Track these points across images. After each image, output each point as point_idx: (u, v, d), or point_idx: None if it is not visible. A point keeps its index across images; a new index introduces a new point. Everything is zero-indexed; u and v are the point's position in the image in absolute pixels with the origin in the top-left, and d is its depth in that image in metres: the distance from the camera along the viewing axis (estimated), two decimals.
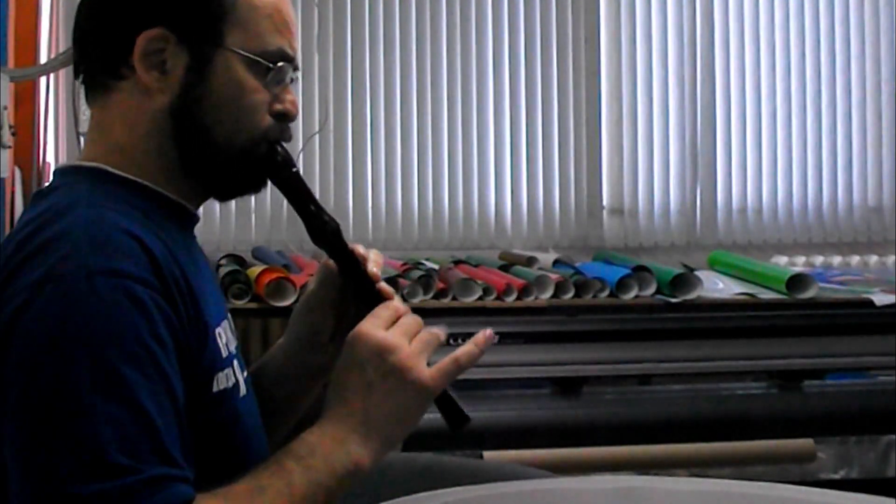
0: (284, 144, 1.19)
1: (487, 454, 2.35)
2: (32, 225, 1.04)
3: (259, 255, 3.07)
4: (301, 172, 1.21)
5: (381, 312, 1.13)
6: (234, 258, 2.92)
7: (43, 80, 3.08)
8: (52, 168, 3.22)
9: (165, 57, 1.12)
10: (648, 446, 2.58)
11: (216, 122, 1.13)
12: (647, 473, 2.46)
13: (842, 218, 3.67)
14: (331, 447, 1.06)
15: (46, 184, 1.17)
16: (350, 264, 1.22)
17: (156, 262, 1.03)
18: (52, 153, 3.23)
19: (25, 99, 3.03)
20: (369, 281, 1.21)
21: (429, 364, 1.11)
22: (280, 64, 1.15)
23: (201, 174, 1.16)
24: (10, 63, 2.78)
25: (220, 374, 1.11)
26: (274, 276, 2.65)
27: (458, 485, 1.20)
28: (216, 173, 1.16)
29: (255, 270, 2.73)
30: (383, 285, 1.21)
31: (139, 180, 1.13)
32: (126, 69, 1.12)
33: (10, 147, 2.62)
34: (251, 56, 1.13)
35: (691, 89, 3.61)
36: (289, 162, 1.19)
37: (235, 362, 1.16)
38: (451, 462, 1.48)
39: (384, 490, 1.19)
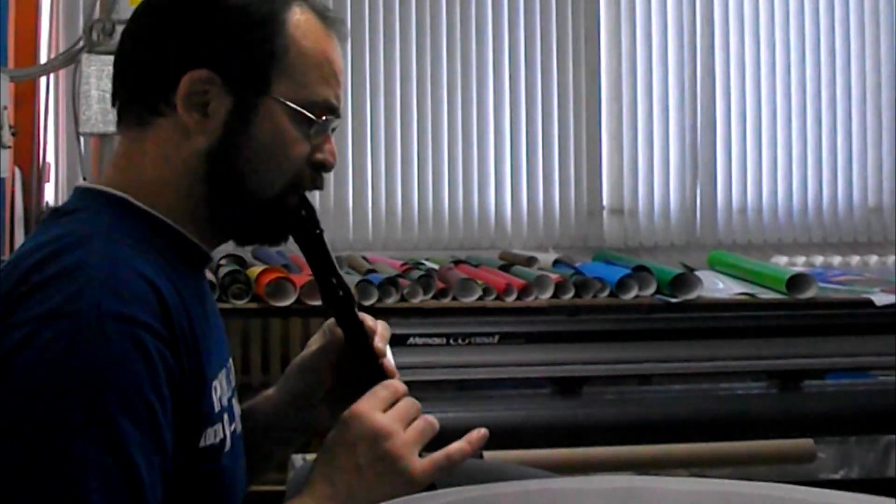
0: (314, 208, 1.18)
1: (487, 454, 2.35)
2: (45, 251, 1.01)
3: (259, 255, 3.07)
4: (324, 234, 1.19)
5: (380, 392, 1.10)
6: (234, 258, 2.91)
7: (43, 80, 3.09)
8: (67, 170, 3.23)
9: (209, 99, 1.09)
10: (648, 446, 2.58)
11: (252, 171, 1.11)
12: (647, 473, 2.46)
13: (842, 218, 3.67)
14: None
15: (63, 202, 1.14)
16: (357, 335, 1.20)
17: (166, 310, 1.01)
18: (52, 153, 3.23)
19: (25, 99, 3.04)
20: (373, 355, 1.19)
21: (420, 454, 1.09)
22: (324, 118, 1.13)
23: (226, 219, 1.14)
24: (10, 63, 2.78)
25: (209, 430, 1.08)
26: (274, 276, 2.66)
27: (458, 485, 1.20)
28: (242, 220, 1.15)
29: (255, 270, 2.73)
30: (387, 362, 1.19)
31: (161, 216, 1.10)
32: (166, 106, 1.10)
33: (10, 147, 2.62)
34: (296, 107, 1.11)
35: (691, 89, 3.61)
36: (314, 222, 1.18)
37: (226, 416, 1.13)
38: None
39: None
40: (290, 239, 1.21)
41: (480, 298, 2.75)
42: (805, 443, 2.63)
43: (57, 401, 0.94)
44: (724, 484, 1.19)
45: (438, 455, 1.09)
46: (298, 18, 1.12)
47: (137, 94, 1.12)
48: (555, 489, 1.24)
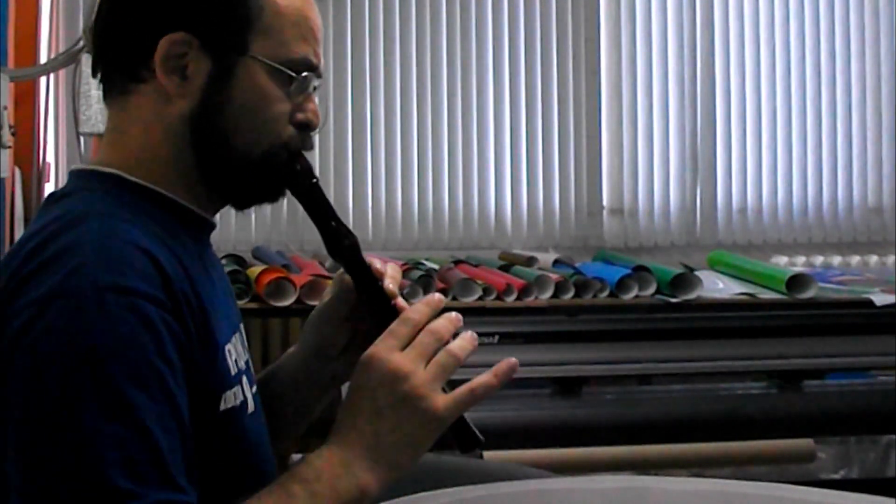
0: (305, 154, 1.18)
1: (487, 454, 2.35)
2: (43, 234, 1.02)
3: (259, 255, 3.07)
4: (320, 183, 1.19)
5: (398, 330, 1.09)
6: (234, 258, 2.91)
7: (43, 80, 3.08)
8: (68, 169, 3.23)
9: (187, 62, 1.09)
10: (648, 446, 2.58)
11: (236, 131, 1.11)
12: (647, 473, 2.46)
13: (842, 218, 3.67)
14: (337, 472, 1.04)
15: (61, 186, 1.15)
16: (366, 280, 1.19)
17: (167, 279, 1.01)
18: (52, 153, 3.23)
19: (25, 99, 3.03)
20: (385, 298, 1.18)
21: (444, 389, 1.08)
22: (304, 74, 1.13)
23: (219, 182, 1.14)
24: (10, 63, 2.78)
25: (228, 393, 1.09)
26: (274, 276, 2.65)
27: (458, 485, 1.20)
28: (234, 182, 1.15)
29: (255, 270, 2.73)
30: (400, 301, 1.18)
31: (155, 188, 1.11)
32: (146, 72, 1.10)
33: (10, 147, 2.62)
34: (275, 65, 1.11)
35: (691, 89, 3.61)
36: (309, 172, 1.18)
37: (245, 378, 1.14)
38: (451, 462, 1.47)
39: (384, 490, 1.18)
40: (288, 241, 1.21)
41: (480, 298, 2.75)
42: (805, 443, 2.63)
43: (65, 379, 0.94)
44: (724, 484, 1.20)
45: (462, 391, 1.08)
46: None
47: (117, 62, 1.12)
48: (555, 489, 1.24)
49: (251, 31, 1.10)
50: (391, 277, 1.21)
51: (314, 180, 1.19)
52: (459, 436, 1.13)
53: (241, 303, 2.64)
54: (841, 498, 1.11)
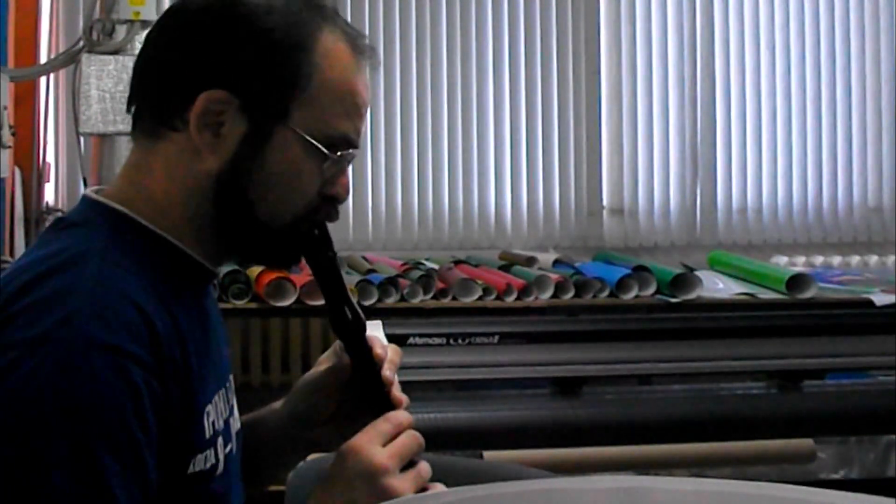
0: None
1: (487, 454, 2.35)
2: (43, 266, 1.00)
3: None
4: (337, 259, 1.16)
5: (381, 426, 1.09)
6: None
7: (43, 80, 3.09)
8: (68, 168, 3.22)
9: (223, 120, 1.06)
10: (648, 446, 2.58)
11: (262, 198, 1.08)
12: (647, 473, 2.46)
13: (842, 218, 3.67)
14: None
15: (69, 211, 1.12)
16: (365, 364, 1.18)
17: (156, 339, 0.99)
18: (52, 153, 3.23)
19: (25, 99, 3.04)
20: (380, 385, 1.16)
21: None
22: (340, 153, 1.09)
23: (234, 244, 1.12)
24: (10, 63, 2.78)
25: (199, 457, 1.06)
26: (274, 276, 2.65)
27: (458, 485, 1.20)
28: (251, 246, 1.12)
29: (255, 270, 2.73)
30: (394, 392, 1.17)
31: (164, 235, 1.08)
32: (180, 122, 1.06)
33: (10, 147, 2.62)
34: (312, 141, 1.07)
35: (691, 89, 3.62)
36: (327, 245, 1.14)
37: (220, 440, 1.11)
38: (451, 462, 1.47)
39: None
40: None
41: (480, 298, 2.75)
42: (805, 443, 2.63)
43: (39, 432, 0.92)
44: (724, 484, 1.19)
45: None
46: (328, 46, 1.08)
47: (153, 105, 1.09)
48: (555, 489, 1.24)
49: (294, 100, 1.07)
50: (391, 362, 1.19)
51: (331, 254, 1.15)
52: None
53: (240, 303, 2.64)
54: (841, 498, 1.11)
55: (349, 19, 3.80)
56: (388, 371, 1.17)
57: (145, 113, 1.10)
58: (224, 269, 2.75)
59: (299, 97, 1.06)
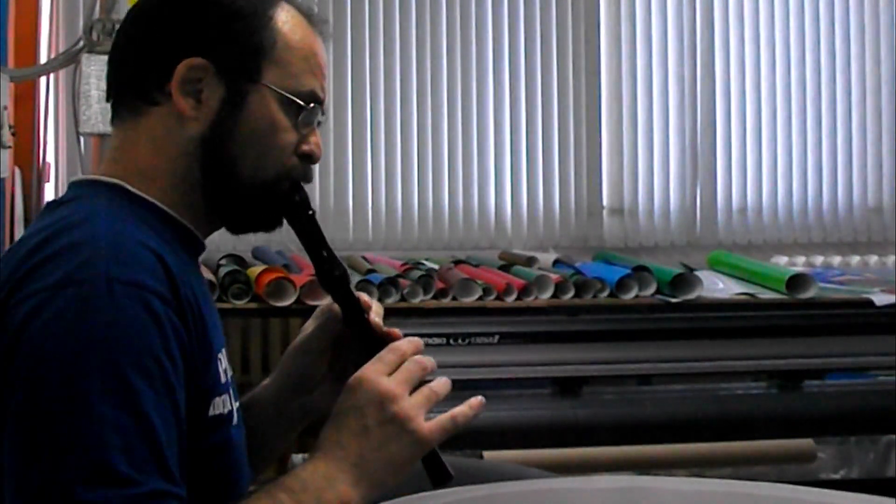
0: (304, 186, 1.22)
1: (487, 454, 2.35)
2: (46, 232, 1.04)
3: (259, 255, 3.07)
4: (317, 216, 1.24)
5: (386, 357, 1.13)
6: (234, 258, 2.91)
7: (43, 80, 3.08)
8: (68, 169, 3.23)
9: (202, 87, 1.14)
10: (648, 446, 2.58)
11: (243, 156, 1.15)
12: (647, 473, 2.46)
13: (842, 218, 3.67)
14: (321, 485, 1.07)
15: (60, 195, 1.17)
16: (355, 310, 1.23)
17: (173, 280, 1.04)
18: (52, 153, 3.23)
19: (25, 99, 3.03)
20: (372, 328, 1.22)
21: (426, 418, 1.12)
22: (312, 105, 1.17)
23: (220, 205, 1.18)
24: (10, 63, 2.78)
25: (218, 399, 1.11)
26: (274, 276, 2.65)
27: (458, 485, 1.20)
28: (235, 206, 1.18)
29: (255, 270, 2.73)
30: (388, 329, 1.22)
31: (157, 202, 1.14)
32: (160, 95, 1.14)
33: (10, 147, 2.62)
34: (286, 94, 1.16)
35: (691, 89, 3.62)
36: (306, 204, 1.22)
37: (231, 390, 1.16)
38: (451, 462, 1.47)
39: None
40: (288, 242, 1.23)
41: (480, 298, 2.75)
42: (805, 443, 2.63)
43: (72, 365, 0.96)
44: (724, 484, 1.20)
45: (445, 417, 1.12)
46: (285, 15, 1.18)
47: (133, 85, 1.17)
48: (555, 489, 1.24)
49: (264, 60, 1.15)
50: (375, 312, 1.25)
51: (311, 212, 1.22)
52: (432, 470, 1.16)
53: (240, 303, 2.65)
54: (841, 498, 1.11)
55: (349, 20, 3.80)
56: (375, 317, 1.24)
57: (126, 93, 1.18)
58: (224, 270, 2.75)
59: (268, 57, 1.16)
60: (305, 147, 1.19)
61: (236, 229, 1.23)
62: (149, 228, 1.09)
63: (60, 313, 0.97)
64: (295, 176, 1.19)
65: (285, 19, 1.17)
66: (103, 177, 1.15)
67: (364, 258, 3.06)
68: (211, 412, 1.10)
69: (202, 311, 1.09)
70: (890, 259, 3.62)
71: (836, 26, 3.68)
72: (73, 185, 1.18)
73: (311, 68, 1.18)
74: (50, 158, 3.20)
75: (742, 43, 3.65)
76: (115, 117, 1.19)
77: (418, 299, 2.71)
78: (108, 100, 1.20)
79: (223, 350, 1.17)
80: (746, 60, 3.64)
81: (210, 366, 1.10)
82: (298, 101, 1.16)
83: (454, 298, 2.75)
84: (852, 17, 3.69)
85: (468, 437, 2.39)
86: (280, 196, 1.19)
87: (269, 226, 1.23)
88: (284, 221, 1.23)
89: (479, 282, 2.77)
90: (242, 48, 1.15)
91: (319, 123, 1.21)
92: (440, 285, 2.77)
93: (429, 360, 1.15)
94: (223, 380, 1.13)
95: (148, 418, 0.97)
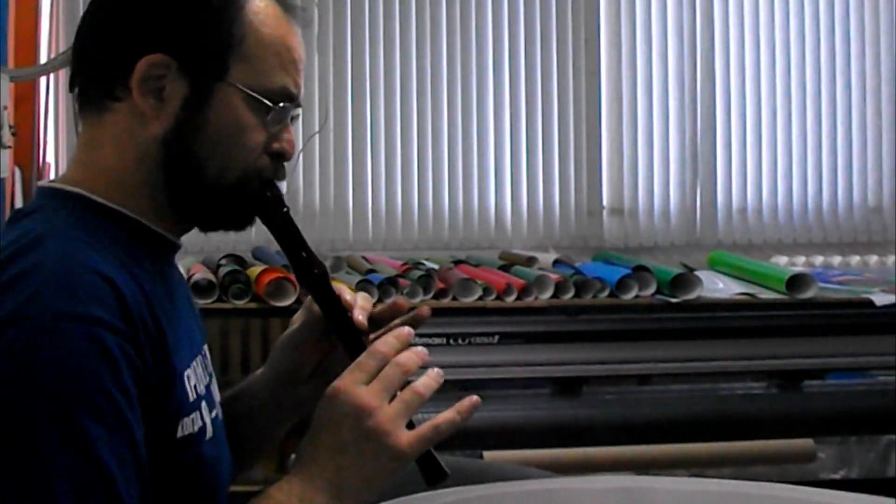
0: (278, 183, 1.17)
1: (487, 454, 2.35)
2: (5, 253, 1.01)
3: (259, 254, 3.07)
4: (291, 212, 1.18)
5: (365, 363, 1.08)
6: (234, 258, 2.91)
7: (43, 80, 3.08)
8: (49, 168, 3.23)
9: (164, 84, 1.08)
10: (648, 446, 2.58)
11: (209, 157, 1.10)
12: (647, 473, 2.47)
13: (842, 218, 3.67)
14: None
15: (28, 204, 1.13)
16: (335, 311, 1.19)
17: (125, 306, 0.99)
18: (52, 153, 3.23)
19: (25, 99, 3.03)
20: (354, 329, 1.17)
21: (409, 425, 1.06)
22: (282, 104, 1.12)
23: (187, 206, 1.13)
24: (10, 63, 2.78)
25: (187, 419, 1.07)
26: (274, 276, 2.65)
27: (459, 485, 1.20)
28: (203, 207, 1.13)
29: (255, 270, 2.73)
30: (369, 333, 1.18)
31: (121, 209, 1.09)
32: (122, 91, 1.09)
33: (10, 147, 2.62)
34: (252, 94, 1.10)
35: (691, 89, 3.61)
36: (279, 201, 1.16)
37: (204, 403, 1.12)
38: (451, 462, 1.47)
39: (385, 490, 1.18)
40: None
41: (480, 298, 2.75)
42: (805, 443, 2.63)
43: (19, 408, 0.92)
44: (724, 484, 1.20)
45: (425, 427, 1.07)
46: (257, 6, 1.11)
47: (95, 78, 1.11)
48: (555, 489, 1.24)
49: (231, 56, 1.09)
50: (361, 308, 1.20)
51: (285, 209, 1.17)
52: (426, 469, 1.12)
53: (240, 303, 2.65)
54: (841, 498, 1.11)
55: (349, 20, 3.80)
56: (359, 315, 1.19)
57: (89, 88, 1.12)
58: (224, 270, 2.75)
59: (235, 54, 1.09)
60: (276, 145, 1.13)
61: (206, 229, 1.18)
62: (108, 240, 1.05)
63: (6, 354, 0.93)
64: (265, 175, 1.14)
65: (257, 10, 1.11)
66: (66, 185, 1.10)
67: (364, 258, 3.06)
68: (179, 433, 1.06)
69: (163, 330, 1.04)
70: (890, 259, 3.62)
71: (836, 26, 3.68)
72: (38, 193, 1.13)
73: (282, 63, 1.12)
74: (50, 158, 3.20)
75: (742, 43, 3.64)
76: (81, 111, 1.13)
77: (418, 299, 2.71)
78: (71, 90, 1.14)
79: (197, 360, 1.14)
80: (746, 60, 3.64)
81: (173, 388, 1.05)
82: (266, 100, 1.10)
83: (454, 298, 2.75)
84: (852, 18, 3.69)
85: (468, 437, 2.39)
86: (250, 195, 1.13)
87: (240, 225, 1.17)
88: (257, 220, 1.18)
89: (479, 282, 2.77)
90: (208, 43, 1.08)
91: (293, 119, 1.15)
92: (440, 285, 2.77)
93: (415, 357, 1.09)
94: (192, 397, 1.09)
95: (101, 462, 0.93)
